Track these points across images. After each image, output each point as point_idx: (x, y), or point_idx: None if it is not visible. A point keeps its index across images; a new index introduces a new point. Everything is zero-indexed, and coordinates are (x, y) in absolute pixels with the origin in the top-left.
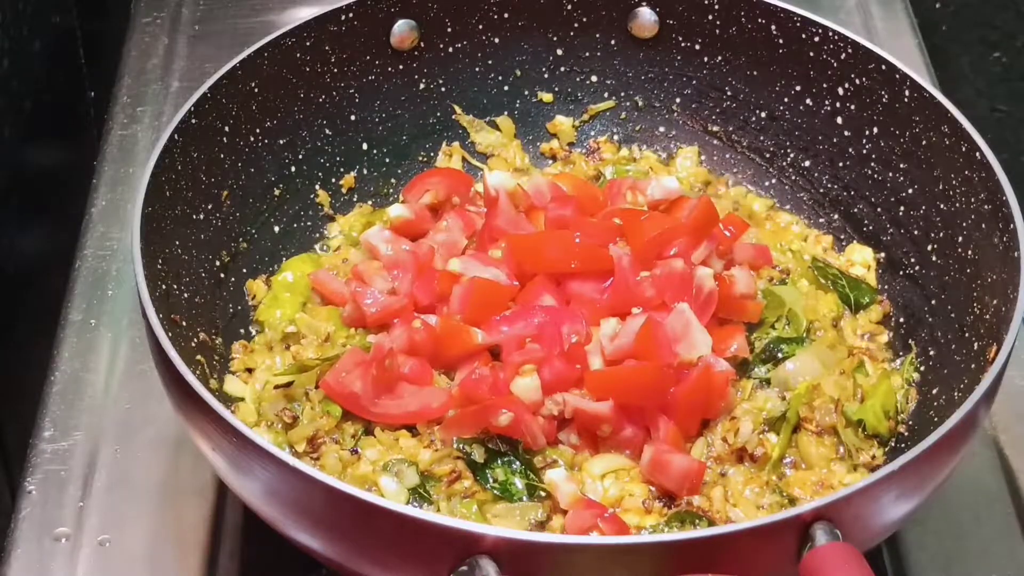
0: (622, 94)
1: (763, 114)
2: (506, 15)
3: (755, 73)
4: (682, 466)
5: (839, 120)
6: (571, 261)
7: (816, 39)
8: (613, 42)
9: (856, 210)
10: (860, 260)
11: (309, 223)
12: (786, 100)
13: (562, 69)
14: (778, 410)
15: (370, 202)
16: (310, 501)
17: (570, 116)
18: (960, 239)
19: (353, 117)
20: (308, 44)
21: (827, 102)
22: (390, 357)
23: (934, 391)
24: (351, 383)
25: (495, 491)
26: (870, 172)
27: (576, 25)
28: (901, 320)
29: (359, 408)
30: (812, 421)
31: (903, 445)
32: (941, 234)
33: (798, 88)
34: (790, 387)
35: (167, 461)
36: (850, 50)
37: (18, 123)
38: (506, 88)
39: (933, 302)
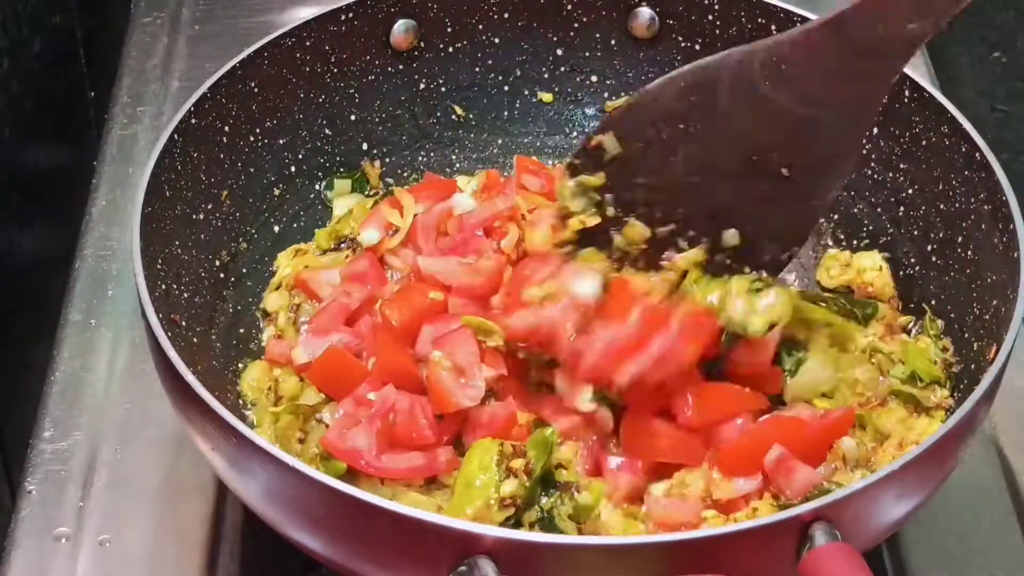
0: (622, 94)
1: None
2: (506, 15)
3: None
4: (807, 478)
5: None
6: None
7: None
8: (613, 42)
9: (856, 210)
10: (870, 265)
11: (309, 223)
12: None
13: (562, 69)
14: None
15: (367, 197)
16: (310, 501)
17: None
18: (960, 239)
19: (353, 117)
20: (308, 44)
21: None
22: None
23: None
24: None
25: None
26: (870, 172)
27: (576, 25)
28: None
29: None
30: (870, 400)
31: (961, 385)
32: (941, 234)
33: None
34: (806, 397)
35: (167, 461)
36: None
37: (18, 123)
38: (506, 88)
39: (933, 302)
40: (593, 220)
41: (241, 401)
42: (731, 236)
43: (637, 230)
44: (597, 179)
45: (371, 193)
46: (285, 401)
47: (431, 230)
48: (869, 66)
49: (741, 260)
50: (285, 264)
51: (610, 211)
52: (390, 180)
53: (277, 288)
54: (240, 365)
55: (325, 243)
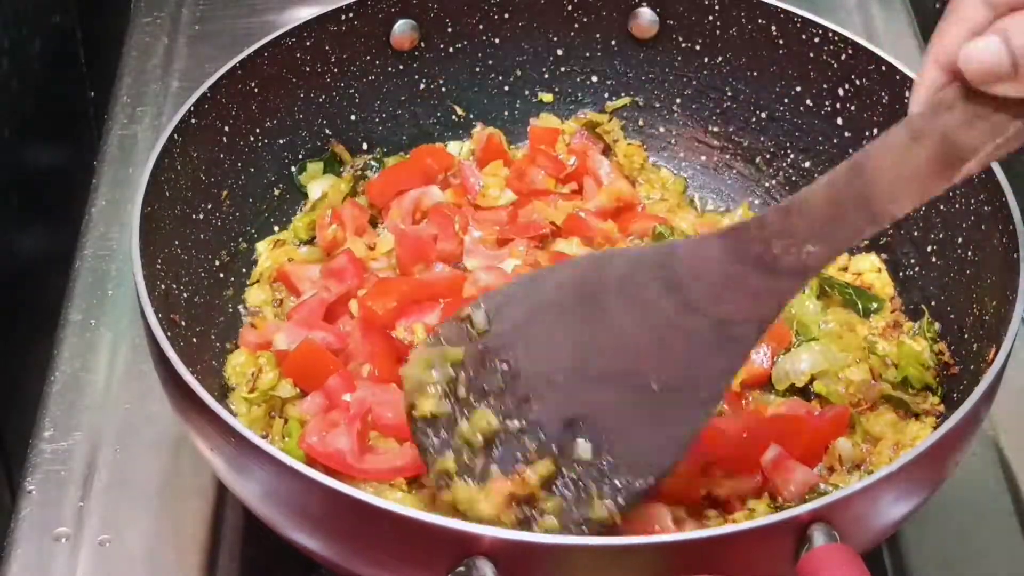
0: (622, 94)
1: (763, 115)
2: (506, 15)
3: (755, 74)
4: (804, 479)
5: (839, 121)
6: None
7: (816, 40)
8: (613, 42)
9: None
10: (868, 267)
11: None
12: (786, 101)
13: (562, 69)
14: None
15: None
16: (309, 502)
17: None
18: (960, 240)
19: (353, 117)
20: (308, 44)
21: (827, 103)
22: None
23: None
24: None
25: None
26: None
27: (576, 25)
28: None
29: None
30: (861, 403)
31: (960, 387)
32: (941, 235)
33: (798, 89)
34: (791, 379)
35: (167, 461)
36: (850, 51)
37: (18, 123)
38: (506, 88)
39: (932, 303)
40: (435, 405)
41: (224, 384)
42: (583, 448)
43: (486, 419)
44: (456, 352)
45: (344, 171)
46: (259, 391)
47: (408, 216)
48: (760, 284)
49: (590, 479)
50: (265, 256)
51: (461, 391)
52: (374, 165)
53: (257, 282)
54: None
55: (304, 233)
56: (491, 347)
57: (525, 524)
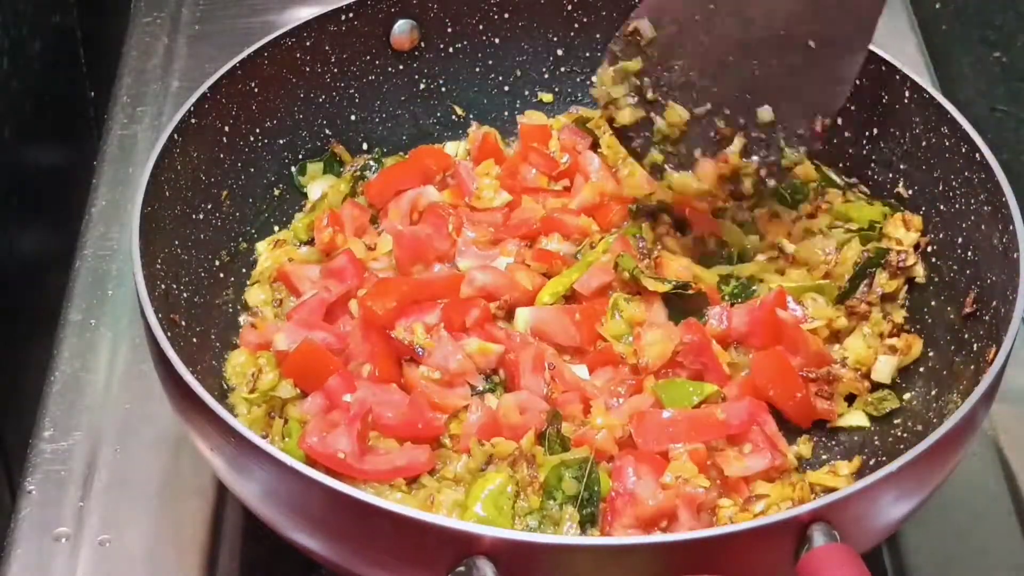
0: None
1: None
2: (506, 15)
3: None
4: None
5: (839, 121)
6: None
7: None
8: None
9: None
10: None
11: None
12: None
13: (562, 69)
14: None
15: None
16: (309, 502)
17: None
18: (960, 240)
19: (353, 117)
20: (308, 44)
21: None
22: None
23: (933, 392)
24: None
25: None
26: (870, 173)
27: (576, 25)
28: (901, 321)
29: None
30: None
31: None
32: (941, 235)
33: None
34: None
35: (167, 461)
36: None
37: (18, 123)
38: (506, 88)
39: (933, 303)
40: (631, 114)
41: (224, 384)
42: (765, 112)
43: (677, 112)
44: (635, 64)
45: (344, 171)
46: (260, 392)
47: (406, 216)
48: None
49: (776, 135)
50: (266, 256)
51: (649, 95)
52: (374, 165)
53: (257, 282)
54: None
55: (304, 233)
56: (664, 49)
57: (736, 194)
